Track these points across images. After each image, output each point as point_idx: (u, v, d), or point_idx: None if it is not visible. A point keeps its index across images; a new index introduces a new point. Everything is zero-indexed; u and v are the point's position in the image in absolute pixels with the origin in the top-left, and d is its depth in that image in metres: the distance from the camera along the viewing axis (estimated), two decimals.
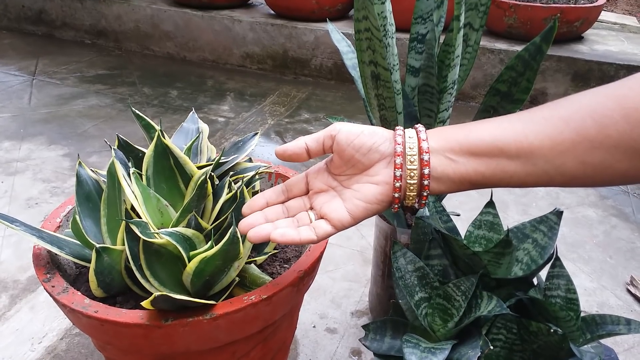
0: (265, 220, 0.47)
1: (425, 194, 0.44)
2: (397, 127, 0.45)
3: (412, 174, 0.43)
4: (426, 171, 0.43)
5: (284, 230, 0.44)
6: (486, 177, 0.42)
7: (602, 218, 1.25)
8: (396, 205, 0.45)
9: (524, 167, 0.40)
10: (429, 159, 0.43)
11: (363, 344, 0.61)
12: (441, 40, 0.67)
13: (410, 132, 0.45)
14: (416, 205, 0.45)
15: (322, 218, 0.46)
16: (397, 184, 0.44)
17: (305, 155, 0.47)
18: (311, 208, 0.48)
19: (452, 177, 0.43)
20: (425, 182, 0.43)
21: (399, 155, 0.43)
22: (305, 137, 0.47)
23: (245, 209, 0.48)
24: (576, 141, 0.38)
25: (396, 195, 0.44)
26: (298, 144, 0.47)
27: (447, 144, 0.43)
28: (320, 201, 0.47)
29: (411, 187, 0.44)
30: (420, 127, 0.45)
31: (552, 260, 0.58)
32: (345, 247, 1.12)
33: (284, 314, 0.60)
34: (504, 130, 0.41)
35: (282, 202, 0.49)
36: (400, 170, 0.43)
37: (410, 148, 0.43)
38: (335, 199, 0.46)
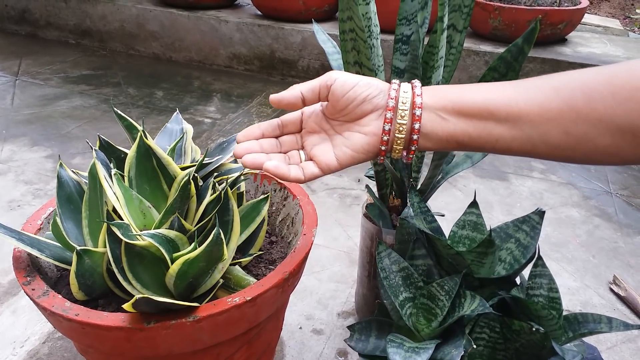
0: (261, 150, 0.48)
1: (413, 148, 0.45)
2: (393, 81, 0.46)
3: (401, 129, 0.44)
4: (416, 126, 0.44)
5: (277, 163, 0.45)
6: (473, 138, 0.43)
7: (585, 218, 1.27)
8: (382, 157, 0.47)
9: (510, 132, 0.42)
10: (421, 114, 0.44)
11: (348, 345, 0.61)
12: (425, 42, 0.67)
13: (405, 86, 0.45)
14: (403, 159, 0.47)
15: (311, 160, 0.47)
16: (385, 138, 0.45)
17: (300, 104, 0.48)
18: (302, 147, 0.49)
19: (440, 135, 0.44)
20: (414, 137, 0.44)
21: (390, 110, 0.44)
22: (301, 85, 0.47)
23: (240, 136, 0.48)
24: (563, 110, 0.39)
25: (382, 148, 0.45)
26: (294, 93, 0.47)
27: (440, 102, 0.44)
28: (311, 142, 0.48)
29: (398, 142, 0.45)
30: (416, 82, 0.45)
31: (535, 259, 0.58)
32: (332, 248, 1.12)
33: (269, 315, 0.60)
34: (497, 94, 0.42)
35: (276, 137, 0.50)
36: (390, 124, 0.44)
37: (402, 102, 0.44)
38: (326, 143, 0.48)
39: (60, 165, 0.59)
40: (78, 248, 0.51)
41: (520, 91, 0.41)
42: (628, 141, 0.38)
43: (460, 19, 0.66)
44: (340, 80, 0.46)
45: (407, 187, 0.74)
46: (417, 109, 0.43)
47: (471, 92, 0.43)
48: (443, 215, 0.73)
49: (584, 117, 0.39)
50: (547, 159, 0.44)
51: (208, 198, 0.57)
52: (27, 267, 0.56)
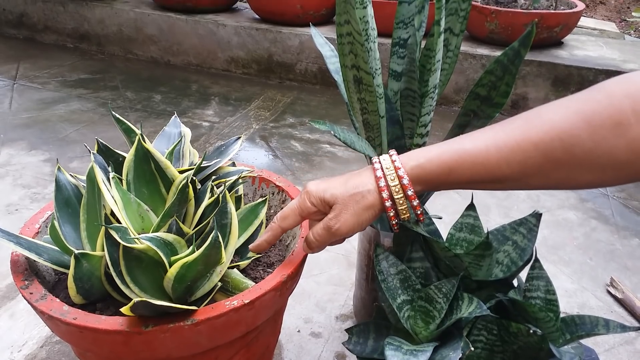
0: None
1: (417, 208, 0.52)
2: (381, 189, 0.49)
3: (403, 213, 0.51)
4: (415, 203, 0.50)
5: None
6: (458, 190, 0.48)
7: (582, 220, 1.27)
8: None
9: (494, 186, 0.46)
10: (418, 204, 0.50)
11: (346, 348, 0.61)
12: (422, 45, 0.67)
13: (394, 186, 0.49)
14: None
15: None
16: (391, 213, 0.51)
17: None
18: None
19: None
20: (418, 212, 0.52)
21: (390, 209, 0.51)
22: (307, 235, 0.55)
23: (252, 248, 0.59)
24: (543, 164, 0.41)
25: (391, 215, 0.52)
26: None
27: (429, 186, 0.49)
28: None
29: (403, 211, 0.51)
30: (405, 179, 0.48)
31: (532, 261, 0.59)
32: (330, 250, 1.12)
33: (267, 318, 0.60)
34: (482, 168, 0.44)
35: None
36: (392, 209, 0.51)
37: (396, 196, 0.49)
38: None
39: (58, 168, 0.59)
40: (76, 252, 0.51)
41: (503, 153, 0.43)
42: (609, 174, 0.40)
43: (457, 22, 0.66)
44: (349, 233, 0.52)
45: None
46: (414, 200, 0.49)
47: (458, 172, 0.46)
48: (440, 218, 0.74)
49: (563, 164, 0.40)
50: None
51: (206, 201, 0.57)
52: (25, 270, 0.56)
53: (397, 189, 0.48)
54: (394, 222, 0.51)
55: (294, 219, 0.54)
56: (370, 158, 0.53)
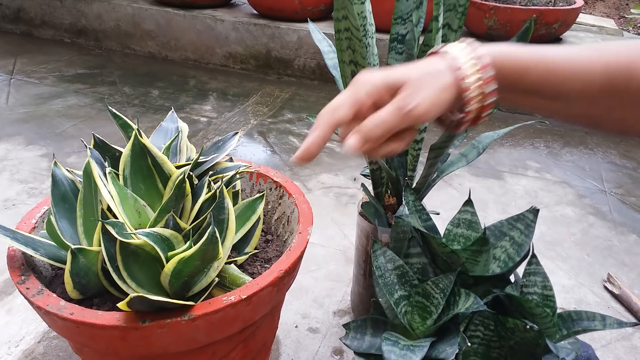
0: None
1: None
2: (456, 67, 0.43)
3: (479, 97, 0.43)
4: (489, 89, 0.43)
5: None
6: (519, 105, 0.46)
7: (579, 216, 1.28)
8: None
9: (548, 105, 0.44)
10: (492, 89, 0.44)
11: (344, 343, 0.61)
12: (421, 41, 0.67)
13: (474, 74, 0.43)
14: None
15: None
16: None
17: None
18: None
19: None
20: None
21: (467, 91, 0.43)
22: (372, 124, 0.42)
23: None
24: (603, 87, 0.41)
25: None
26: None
27: (499, 84, 0.44)
28: None
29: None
30: (489, 69, 0.43)
31: (529, 257, 0.59)
32: (328, 246, 1.12)
33: (264, 314, 0.60)
34: (553, 77, 0.43)
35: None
36: (469, 104, 0.43)
37: (476, 86, 0.43)
38: None
39: (55, 164, 0.59)
40: (73, 247, 0.51)
41: (573, 67, 0.42)
42: None
43: (455, 18, 0.66)
44: (425, 115, 0.41)
45: (402, 185, 0.74)
46: (490, 84, 0.43)
47: (531, 73, 0.43)
48: (438, 214, 0.74)
49: (618, 95, 0.40)
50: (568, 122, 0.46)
51: (203, 197, 0.57)
52: (22, 266, 0.56)
53: (473, 70, 0.42)
54: (467, 110, 0.43)
55: (345, 111, 0.42)
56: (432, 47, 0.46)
